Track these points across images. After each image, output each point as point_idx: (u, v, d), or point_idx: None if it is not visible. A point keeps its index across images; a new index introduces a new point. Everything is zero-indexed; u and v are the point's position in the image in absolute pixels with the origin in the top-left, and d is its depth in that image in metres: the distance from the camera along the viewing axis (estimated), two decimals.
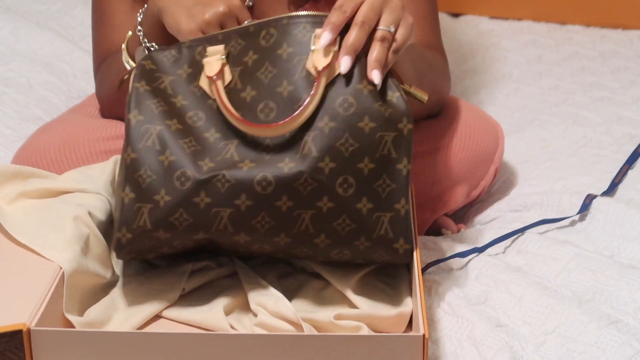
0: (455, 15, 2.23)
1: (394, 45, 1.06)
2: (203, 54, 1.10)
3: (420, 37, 1.33)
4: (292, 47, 1.06)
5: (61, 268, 1.04)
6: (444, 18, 2.18)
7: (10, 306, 0.98)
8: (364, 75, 1.04)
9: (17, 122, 1.58)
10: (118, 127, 1.32)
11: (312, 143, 1.03)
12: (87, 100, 1.47)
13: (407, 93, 1.08)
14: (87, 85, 1.75)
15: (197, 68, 1.10)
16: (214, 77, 1.07)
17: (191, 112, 1.08)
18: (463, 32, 2.14)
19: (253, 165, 1.03)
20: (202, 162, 1.04)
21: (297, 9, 1.32)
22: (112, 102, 1.34)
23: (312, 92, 1.03)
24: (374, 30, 1.05)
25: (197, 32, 1.12)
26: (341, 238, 1.05)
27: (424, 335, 0.94)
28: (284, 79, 1.06)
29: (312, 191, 1.02)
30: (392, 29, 1.05)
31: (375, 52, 1.04)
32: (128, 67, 1.21)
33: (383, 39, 1.04)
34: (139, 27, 1.19)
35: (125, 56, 1.19)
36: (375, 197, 1.04)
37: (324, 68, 1.04)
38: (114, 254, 1.16)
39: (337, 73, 1.05)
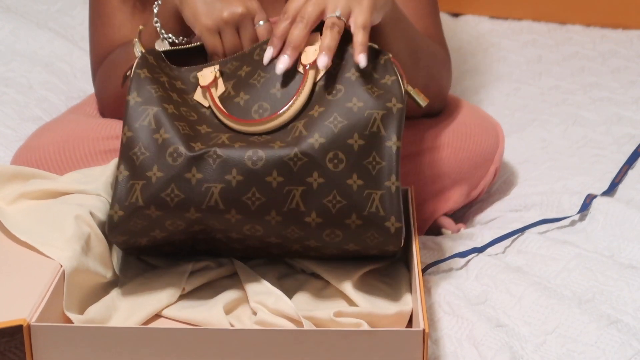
0: (455, 15, 2.23)
1: (358, 21, 1.08)
2: (197, 77, 1.14)
3: (422, 33, 1.33)
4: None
5: (61, 266, 1.04)
6: (444, 18, 2.17)
7: (11, 302, 0.98)
8: (350, 65, 1.08)
9: (17, 122, 1.58)
10: (117, 126, 1.32)
11: (302, 127, 1.06)
12: (86, 100, 1.47)
13: (407, 94, 1.09)
14: (87, 85, 1.75)
15: (190, 87, 1.14)
16: (207, 85, 1.11)
17: (186, 108, 1.10)
18: (463, 32, 2.14)
19: (244, 144, 1.05)
20: (194, 144, 1.06)
21: None
22: (117, 99, 1.34)
23: (299, 86, 1.07)
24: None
25: (214, 28, 1.15)
26: (332, 216, 1.05)
27: (424, 330, 0.94)
28: (276, 81, 1.10)
29: (302, 166, 1.04)
30: (338, 13, 1.08)
31: (326, 39, 1.08)
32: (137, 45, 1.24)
33: (332, 25, 1.08)
34: (156, 19, 1.22)
35: (138, 47, 1.20)
36: (365, 173, 1.05)
37: (311, 64, 1.08)
38: (115, 254, 1.16)
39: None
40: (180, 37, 1.22)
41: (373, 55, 1.10)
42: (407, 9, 1.31)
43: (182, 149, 1.05)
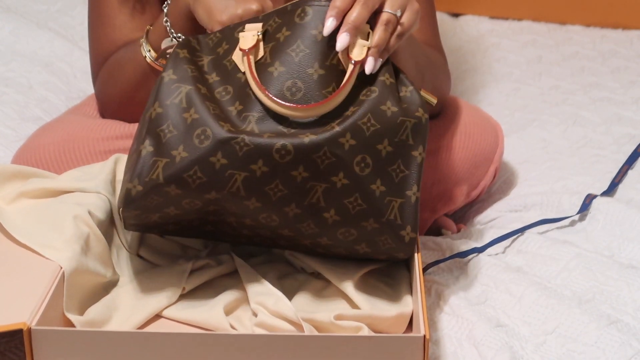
0: (455, 15, 2.23)
1: (399, 29, 1.07)
2: (241, 30, 1.11)
3: (420, 36, 1.33)
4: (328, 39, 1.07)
5: (61, 267, 1.04)
6: (444, 18, 2.18)
7: (11, 306, 0.98)
8: (385, 69, 1.07)
9: (17, 122, 1.58)
10: (118, 127, 1.32)
11: (335, 123, 1.04)
12: (86, 100, 1.47)
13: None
14: (87, 85, 1.75)
15: (233, 44, 1.10)
16: (247, 50, 1.07)
17: (220, 87, 1.09)
18: (463, 32, 2.14)
19: (273, 135, 1.03)
20: (224, 124, 1.04)
21: None
22: (122, 99, 1.34)
23: (345, 81, 1.05)
24: (380, 12, 1.06)
25: (228, 25, 1.13)
26: (350, 216, 1.05)
27: (424, 336, 0.94)
28: (315, 61, 1.07)
29: (329, 165, 1.03)
30: (399, 13, 1.07)
31: (376, 36, 1.06)
32: (149, 59, 1.24)
33: (387, 22, 1.06)
34: (166, 18, 1.21)
35: (145, 48, 1.20)
36: (389, 180, 1.05)
37: (358, 62, 1.05)
38: (114, 254, 1.16)
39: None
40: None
41: (385, 70, 1.08)
42: None
43: (209, 131, 1.03)
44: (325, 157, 1.03)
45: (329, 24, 1.05)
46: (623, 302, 1.14)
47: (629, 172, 1.43)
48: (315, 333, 1.03)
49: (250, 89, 1.07)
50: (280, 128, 1.05)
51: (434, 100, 1.10)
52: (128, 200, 1.04)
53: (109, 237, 1.15)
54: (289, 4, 1.10)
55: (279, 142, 1.02)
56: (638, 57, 1.98)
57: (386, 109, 1.05)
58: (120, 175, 1.22)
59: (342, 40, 1.05)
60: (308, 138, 1.03)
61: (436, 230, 1.40)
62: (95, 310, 1.06)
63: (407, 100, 1.07)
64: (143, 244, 1.20)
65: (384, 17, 1.06)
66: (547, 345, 1.08)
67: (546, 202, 1.38)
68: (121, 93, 1.32)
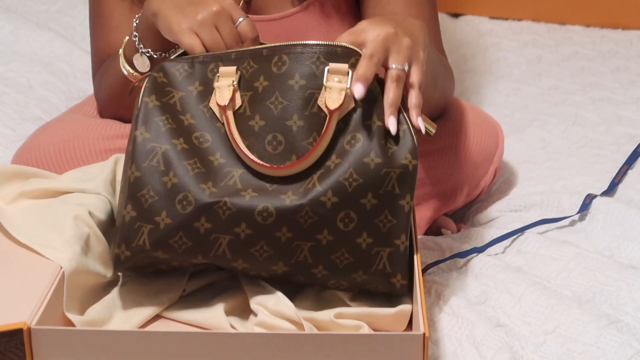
0: (455, 15, 2.23)
1: (416, 84, 1.05)
2: (215, 72, 1.08)
3: None
4: (305, 80, 1.05)
5: (61, 267, 1.04)
6: (444, 18, 2.18)
7: (11, 305, 0.98)
8: (372, 111, 1.04)
9: (17, 122, 1.58)
10: (117, 126, 1.32)
11: (317, 179, 1.03)
12: (86, 100, 1.47)
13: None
14: (87, 85, 1.75)
15: (208, 87, 1.08)
16: (225, 106, 1.06)
17: (198, 132, 1.07)
18: (463, 32, 2.14)
19: (255, 195, 1.03)
20: (205, 185, 1.03)
21: (299, 3, 1.32)
22: (110, 104, 1.34)
23: (322, 134, 1.03)
24: (387, 68, 1.04)
25: (190, 32, 1.11)
26: (339, 270, 1.05)
27: (424, 334, 0.94)
28: (294, 112, 1.05)
29: (313, 224, 1.03)
30: (406, 68, 1.04)
31: (391, 94, 1.03)
32: (125, 72, 1.22)
33: (398, 79, 1.03)
34: (135, 33, 1.19)
35: (122, 61, 1.19)
36: (375, 231, 1.04)
37: (336, 109, 1.03)
38: None
39: (348, 110, 1.04)
40: (159, 52, 1.19)
41: (374, 111, 1.05)
42: (410, 14, 1.30)
43: (191, 197, 1.02)
44: (307, 216, 1.02)
45: (360, 91, 1.02)
46: (623, 302, 1.14)
47: (629, 172, 1.43)
48: (316, 332, 1.03)
49: (231, 143, 1.06)
50: (263, 183, 1.04)
51: (432, 130, 1.08)
52: (118, 263, 1.06)
53: (109, 237, 1.15)
54: (263, 47, 1.08)
55: (261, 204, 1.02)
56: (638, 57, 1.98)
57: (369, 161, 1.03)
58: (120, 176, 1.22)
59: (358, 91, 1.02)
60: (289, 199, 1.02)
61: (436, 230, 1.40)
62: (95, 310, 1.06)
63: (399, 142, 1.04)
64: None
65: (392, 73, 1.03)
66: (547, 345, 1.08)
67: (546, 202, 1.38)
68: (109, 97, 1.32)
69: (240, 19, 1.12)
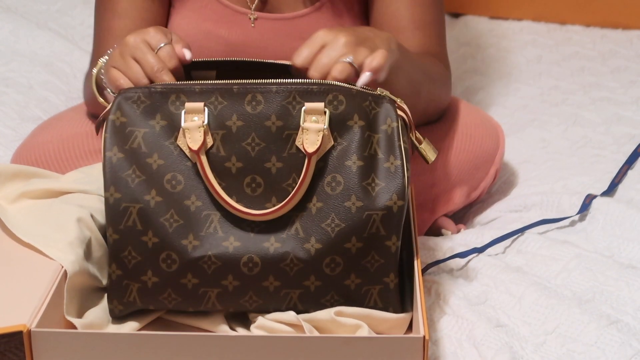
0: (455, 15, 2.23)
1: (372, 64, 1.05)
2: (178, 106, 1.04)
3: (423, 44, 1.32)
4: (282, 121, 1.03)
5: (62, 268, 1.04)
6: None
7: (11, 307, 0.98)
8: (352, 149, 1.03)
9: (17, 122, 1.58)
10: None
11: (298, 223, 1.03)
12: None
13: (417, 149, 1.07)
14: None
15: (172, 121, 1.04)
16: (197, 150, 1.03)
17: (169, 174, 1.04)
18: (463, 32, 2.14)
19: (238, 244, 1.02)
20: (187, 240, 1.03)
21: (311, 4, 1.32)
22: (91, 108, 1.35)
23: (302, 178, 1.02)
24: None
25: (111, 68, 1.08)
26: (330, 307, 1.05)
27: (424, 336, 0.94)
28: (272, 154, 1.04)
29: (299, 271, 1.03)
30: (350, 59, 1.05)
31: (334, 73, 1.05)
32: (97, 96, 1.15)
33: (341, 72, 1.04)
34: (102, 70, 1.13)
35: (93, 85, 1.14)
36: (363, 272, 1.03)
37: (314, 152, 1.02)
38: None
39: (327, 149, 1.03)
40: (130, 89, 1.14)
41: (379, 119, 1.04)
42: (412, 15, 1.30)
43: (175, 255, 1.02)
44: (292, 264, 1.02)
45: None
46: (623, 302, 1.14)
47: (629, 172, 1.43)
48: (316, 334, 1.03)
49: (206, 184, 1.03)
50: (244, 227, 1.03)
51: (431, 158, 1.08)
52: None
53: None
54: (233, 84, 1.04)
55: (245, 254, 1.02)
56: (638, 57, 1.98)
57: (351, 205, 1.02)
58: None
59: (363, 79, 1.04)
60: (273, 247, 1.02)
61: (436, 230, 1.40)
62: (94, 314, 1.06)
63: (387, 176, 1.02)
64: None
65: (337, 67, 1.04)
66: (547, 345, 1.08)
67: (546, 202, 1.38)
68: (90, 102, 1.32)
69: (161, 45, 1.07)
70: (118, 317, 1.06)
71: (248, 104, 1.03)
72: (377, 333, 1.05)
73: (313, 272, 1.03)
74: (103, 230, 1.13)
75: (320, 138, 1.02)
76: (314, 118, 1.03)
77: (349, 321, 1.04)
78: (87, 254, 1.09)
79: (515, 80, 1.89)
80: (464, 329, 1.11)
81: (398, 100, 1.05)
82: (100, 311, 1.07)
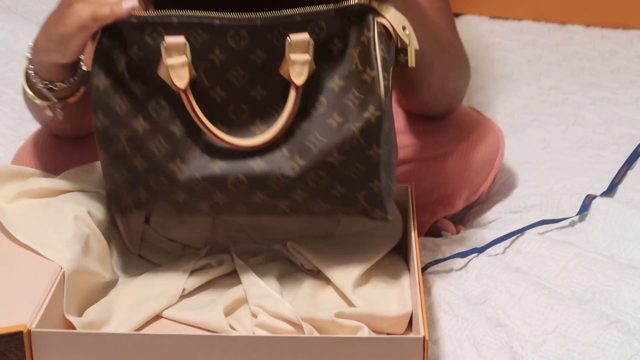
0: (456, 15, 2.22)
1: None
2: (155, 37, 1.02)
3: None
4: (267, 53, 1.03)
5: (62, 268, 1.04)
6: None
7: (11, 307, 0.98)
8: (334, 70, 1.04)
9: (17, 122, 1.58)
10: None
11: (283, 144, 1.05)
12: None
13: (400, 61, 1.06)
14: None
15: (149, 53, 1.02)
16: (184, 89, 1.02)
17: (153, 100, 1.04)
18: (463, 32, 2.13)
19: (224, 165, 1.05)
20: (174, 165, 1.05)
21: None
22: (52, 129, 1.28)
23: (288, 109, 1.04)
24: None
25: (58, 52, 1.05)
26: (319, 213, 1.09)
27: (424, 337, 0.94)
28: (257, 84, 1.05)
29: (285, 187, 1.05)
30: None
31: None
32: (29, 94, 1.12)
33: None
34: (30, 66, 1.11)
35: (28, 93, 1.12)
36: (348, 182, 1.05)
37: (302, 84, 1.03)
38: (114, 255, 1.16)
39: (311, 73, 1.04)
40: (59, 82, 1.10)
41: (357, 33, 1.03)
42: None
43: (164, 178, 1.05)
44: (278, 181, 1.04)
45: None
46: (623, 302, 1.14)
47: (629, 172, 1.43)
48: (315, 334, 1.03)
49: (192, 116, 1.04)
50: (230, 150, 1.05)
51: (411, 62, 1.05)
52: (116, 212, 1.11)
53: (108, 238, 1.15)
54: (214, 17, 1.01)
55: (232, 174, 1.04)
56: (638, 57, 1.98)
57: (332, 122, 1.04)
58: None
59: None
60: (258, 166, 1.04)
61: (435, 232, 1.40)
62: (94, 311, 1.06)
63: (365, 88, 1.03)
64: (144, 244, 1.20)
65: None
66: (547, 345, 1.08)
67: (546, 203, 1.38)
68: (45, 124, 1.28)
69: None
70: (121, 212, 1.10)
71: (231, 38, 1.02)
72: (377, 332, 1.06)
73: (299, 186, 1.05)
74: (102, 226, 1.14)
75: (306, 69, 1.02)
76: (299, 49, 1.02)
77: (349, 322, 1.04)
78: (86, 250, 1.09)
79: (515, 80, 1.89)
80: (463, 329, 1.11)
81: (377, 6, 1.03)
82: (100, 309, 1.07)
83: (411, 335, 1.03)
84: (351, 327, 1.04)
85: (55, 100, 1.12)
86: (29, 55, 1.12)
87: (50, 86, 1.11)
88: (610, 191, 1.38)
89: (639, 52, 2.01)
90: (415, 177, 1.31)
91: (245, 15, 1.01)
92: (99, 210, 1.14)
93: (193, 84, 1.03)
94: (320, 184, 1.05)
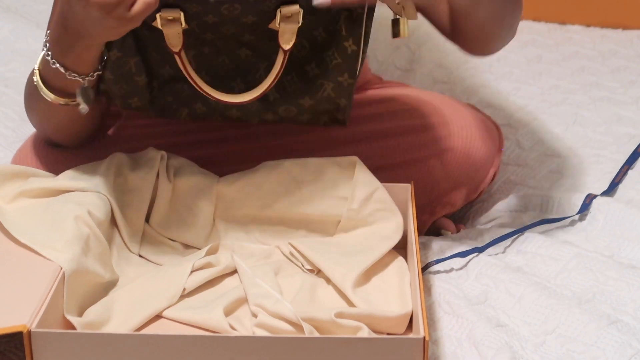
0: None
1: None
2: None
3: None
4: (256, 17, 1.09)
5: (61, 268, 1.04)
6: None
7: (11, 307, 0.98)
8: (319, 23, 1.12)
9: (17, 123, 1.58)
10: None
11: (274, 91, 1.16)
12: None
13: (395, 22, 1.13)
14: None
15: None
16: (178, 51, 1.11)
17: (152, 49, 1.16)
18: None
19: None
20: (164, 69, 1.17)
21: None
22: (55, 135, 1.29)
23: (275, 72, 1.12)
24: None
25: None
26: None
27: (424, 337, 0.94)
28: (243, 45, 1.13)
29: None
30: None
31: None
32: (48, 98, 1.17)
33: None
34: (53, 60, 1.14)
35: (40, 84, 1.14)
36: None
37: (289, 49, 1.10)
38: (114, 255, 1.16)
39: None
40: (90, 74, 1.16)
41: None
42: None
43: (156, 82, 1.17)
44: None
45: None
46: (623, 302, 1.14)
47: (629, 172, 1.43)
48: (315, 334, 1.03)
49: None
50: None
51: (404, 33, 1.12)
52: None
53: (108, 237, 1.15)
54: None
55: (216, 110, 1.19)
56: (638, 57, 1.98)
57: (309, 70, 1.15)
58: (119, 176, 1.22)
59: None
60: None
61: (435, 231, 1.40)
62: (94, 311, 1.06)
63: (344, 56, 1.13)
64: (144, 243, 1.20)
65: None
66: (547, 345, 1.08)
67: (546, 202, 1.38)
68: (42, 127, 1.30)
69: None
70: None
71: (225, 9, 1.09)
72: (377, 332, 1.06)
73: (271, 111, 1.17)
74: (102, 226, 1.14)
75: (294, 35, 1.10)
76: (289, 18, 1.09)
77: (349, 323, 1.04)
78: (86, 250, 1.09)
79: (515, 80, 1.89)
80: (463, 329, 1.11)
81: None
82: (100, 308, 1.07)
83: (411, 335, 1.03)
84: (351, 327, 1.04)
85: (92, 95, 1.16)
86: (38, 63, 1.16)
87: (82, 79, 1.15)
88: (610, 191, 1.38)
89: (639, 52, 2.01)
90: (415, 175, 1.31)
91: None
92: (99, 210, 1.14)
93: (185, 31, 1.10)
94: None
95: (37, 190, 1.17)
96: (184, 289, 1.12)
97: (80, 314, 1.06)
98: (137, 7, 1.03)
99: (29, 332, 0.95)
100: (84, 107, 1.15)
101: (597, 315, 1.11)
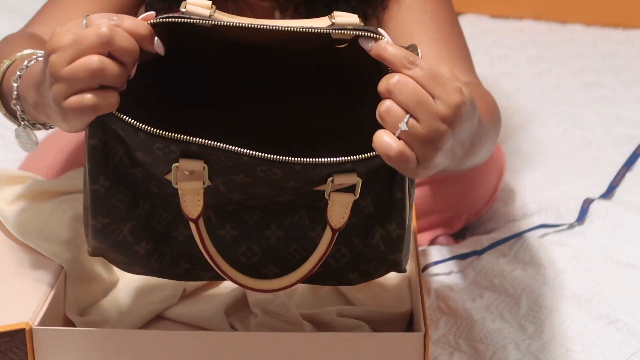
0: (456, 14, 2.23)
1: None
2: (166, 152, 0.82)
3: (441, 56, 1.18)
4: (300, 183, 0.84)
5: (63, 268, 1.05)
6: None
7: (13, 305, 0.98)
8: (367, 193, 0.86)
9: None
10: None
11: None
12: None
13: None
14: None
15: (155, 159, 0.83)
16: (196, 218, 0.85)
17: (155, 180, 0.87)
18: (464, 31, 2.14)
19: (236, 233, 0.91)
20: (177, 231, 0.90)
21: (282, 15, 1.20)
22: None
23: (320, 254, 0.87)
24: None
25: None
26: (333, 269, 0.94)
27: (425, 333, 0.94)
28: (272, 222, 0.90)
29: (300, 259, 0.90)
30: (404, 127, 0.77)
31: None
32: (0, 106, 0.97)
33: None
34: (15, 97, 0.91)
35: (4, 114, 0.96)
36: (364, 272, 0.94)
37: (340, 227, 0.85)
38: None
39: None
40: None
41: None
42: (423, 26, 1.20)
43: (166, 249, 0.90)
44: (296, 252, 0.91)
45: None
46: (622, 301, 1.14)
47: (627, 174, 1.44)
48: (316, 332, 1.03)
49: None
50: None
51: None
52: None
53: None
54: (244, 155, 0.81)
55: (245, 245, 0.90)
56: (638, 57, 1.99)
57: (357, 243, 0.90)
58: None
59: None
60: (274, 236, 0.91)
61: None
62: (96, 311, 1.07)
63: (387, 243, 0.89)
64: None
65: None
66: (546, 345, 1.08)
67: (544, 208, 1.38)
68: None
69: (84, 21, 0.78)
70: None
71: (261, 172, 0.83)
72: (377, 330, 1.06)
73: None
74: None
75: (347, 212, 0.84)
76: (343, 189, 0.84)
77: (350, 322, 1.04)
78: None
79: (516, 80, 1.90)
80: (463, 329, 1.11)
81: None
82: (102, 308, 1.07)
83: (412, 332, 1.03)
84: (351, 325, 1.04)
85: (35, 144, 0.97)
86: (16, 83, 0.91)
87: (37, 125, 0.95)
88: (608, 194, 1.38)
89: (639, 52, 2.01)
90: (416, 200, 1.30)
91: (282, 158, 0.81)
92: None
93: (207, 189, 0.85)
94: (340, 262, 0.91)
95: (37, 192, 1.17)
96: (184, 289, 1.12)
97: (81, 314, 1.06)
98: (72, 100, 0.78)
99: (31, 330, 0.95)
100: (25, 148, 0.97)
101: (596, 314, 1.11)
